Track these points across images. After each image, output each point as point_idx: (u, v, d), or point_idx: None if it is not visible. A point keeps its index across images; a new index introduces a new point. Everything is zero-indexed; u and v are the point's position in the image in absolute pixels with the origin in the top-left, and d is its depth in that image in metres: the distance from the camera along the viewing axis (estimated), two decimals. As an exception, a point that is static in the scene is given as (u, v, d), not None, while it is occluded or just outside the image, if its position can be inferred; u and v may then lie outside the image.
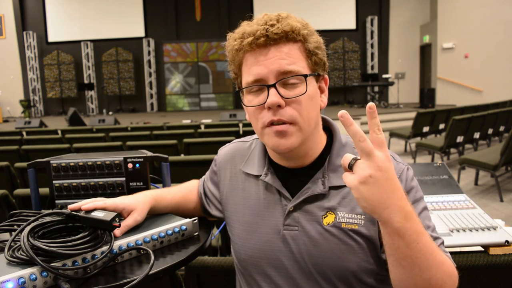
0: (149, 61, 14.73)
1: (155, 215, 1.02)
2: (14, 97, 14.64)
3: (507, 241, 1.18)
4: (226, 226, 1.05)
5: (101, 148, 3.88)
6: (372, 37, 14.28)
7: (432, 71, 13.78)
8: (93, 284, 0.74)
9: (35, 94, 14.83)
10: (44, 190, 1.29)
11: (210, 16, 14.51)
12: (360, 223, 0.85)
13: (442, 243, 0.85)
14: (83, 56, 14.71)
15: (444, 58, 13.08)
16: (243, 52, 0.86)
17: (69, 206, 0.87)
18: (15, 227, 0.96)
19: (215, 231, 1.66)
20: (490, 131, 6.46)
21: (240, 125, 5.84)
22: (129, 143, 4.02)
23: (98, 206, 0.87)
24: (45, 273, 0.71)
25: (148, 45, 14.61)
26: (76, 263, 0.75)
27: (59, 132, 6.08)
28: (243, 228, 0.96)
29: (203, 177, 1.15)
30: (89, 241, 0.78)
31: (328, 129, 0.98)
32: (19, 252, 0.75)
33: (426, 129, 6.71)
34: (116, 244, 0.83)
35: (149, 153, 1.24)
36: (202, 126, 6.24)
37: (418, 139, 6.74)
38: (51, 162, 1.20)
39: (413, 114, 7.41)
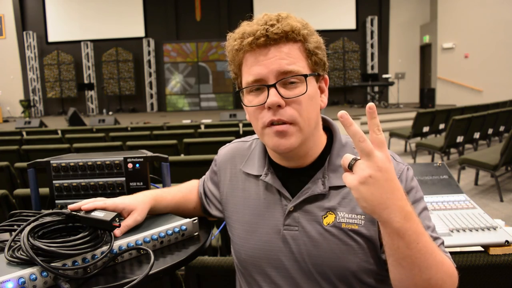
0: (149, 61, 14.73)
1: (155, 215, 1.02)
2: (14, 97, 14.64)
3: (507, 241, 1.18)
4: (226, 226, 1.05)
5: (101, 148, 3.88)
6: (372, 37, 14.28)
7: (432, 71, 13.78)
8: (93, 284, 0.74)
9: (35, 94, 14.83)
10: (44, 190, 1.29)
11: (210, 16, 14.51)
12: (360, 223, 0.85)
13: (442, 243, 0.85)
14: (83, 56, 14.71)
15: (444, 58, 13.08)
16: (243, 52, 0.87)
17: (69, 206, 0.87)
18: (15, 227, 0.96)
19: (215, 231, 1.66)
20: (490, 131, 6.46)
21: (240, 125, 5.84)
22: (129, 143, 4.02)
23: (98, 206, 0.87)
24: (45, 273, 0.71)
25: (148, 45, 14.62)
26: (76, 263, 0.75)
27: (59, 132, 6.08)
28: (243, 228, 0.96)
29: (203, 177, 1.15)
30: (89, 241, 0.78)
31: (328, 129, 0.98)
32: (19, 252, 0.75)
33: (426, 129, 6.71)
34: (116, 244, 0.83)
35: (149, 153, 1.24)
36: (202, 126, 6.24)
37: (418, 139, 6.74)
38: (51, 162, 1.20)
39: (413, 114, 7.41)
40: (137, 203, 0.95)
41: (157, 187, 1.25)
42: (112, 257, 0.81)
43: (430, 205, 1.45)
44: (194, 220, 0.97)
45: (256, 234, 0.94)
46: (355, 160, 0.69)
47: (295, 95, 0.83)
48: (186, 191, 1.11)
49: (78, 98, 14.90)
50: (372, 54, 14.40)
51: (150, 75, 14.81)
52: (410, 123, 7.10)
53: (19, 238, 0.76)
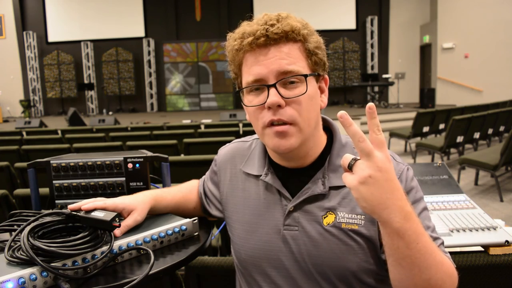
0: (149, 61, 14.73)
1: (155, 215, 1.02)
2: (14, 97, 14.64)
3: (507, 241, 1.18)
4: (226, 226, 1.05)
5: (101, 148, 3.88)
6: (372, 37, 14.28)
7: (432, 71, 13.78)
8: (93, 284, 0.74)
9: (35, 94, 14.83)
10: (44, 190, 1.29)
11: (210, 16, 14.51)
12: (360, 223, 0.85)
13: (442, 243, 0.85)
14: (83, 56, 14.71)
15: (444, 58, 13.08)
16: (243, 52, 0.87)
17: (69, 206, 0.87)
18: (15, 227, 0.96)
19: (215, 231, 1.66)
20: (490, 131, 6.46)
21: (240, 125, 5.84)
22: (129, 143, 4.02)
23: (98, 206, 0.87)
24: (45, 273, 0.71)
25: (148, 45, 14.62)
26: (76, 263, 0.75)
27: (59, 132, 6.08)
28: (243, 228, 0.96)
29: (203, 177, 1.15)
30: (89, 241, 0.78)
31: (328, 129, 0.98)
32: (19, 252, 0.75)
33: (426, 129, 6.71)
34: (116, 244, 0.83)
35: (149, 153, 1.24)
36: (202, 126, 6.24)
37: (418, 139, 6.74)
38: (51, 162, 1.20)
39: (413, 114, 7.41)
40: (137, 203, 0.95)
41: (157, 187, 1.25)
42: (112, 257, 0.81)
43: (430, 205, 1.45)
44: (194, 220, 0.97)
45: (256, 234, 0.94)
46: (355, 160, 0.69)
47: (295, 95, 0.83)
48: (186, 191, 1.11)
49: (78, 98, 14.90)
50: (372, 54, 14.40)
51: (150, 75, 14.81)
52: (410, 123, 7.10)
53: (19, 238, 0.76)
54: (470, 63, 12.43)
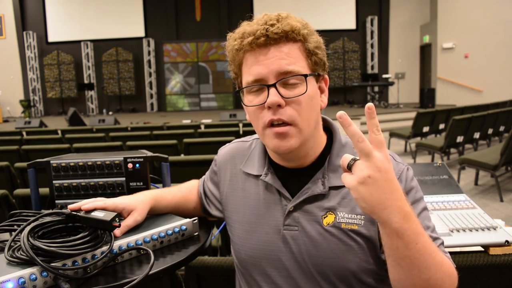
0: (149, 61, 14.73)
1: (155, 215, 1.02)
2: (14, 97, 14.64)
3: (507, 241, 1.18)
4: (226, 226, 1.05)
5: (101, 148, 3.88)
6: (372, 37, 14.28)
7: (432, 71, 13.78)
8: (93, 284, 0.74)
9: (35, 94, 14.83)
10: (44, 190, 1.29)
11: (210, 16, 14.51)
12: (360, 223, 0.85)
13: (442, 243, 0.85)
14: (83, 56, 14.71)
15: (444, 58, 13.08)
16: (243, 52, 0.87)
17: (69, 206, 0.87)
18: (15, 227, 0.96)
19: (215, 231, 1.66)
20: (490, 131, 6.46)
21: (240, 125, 5.84)
22: (129, 143, 4.02)
23: (98, 206, 0.87)
24: (45, 273, 0.71)
25: (148, 45, 14.62)
26: (76, 263, 0.75)
27: (59, 132, 6.08)
28: (243, 228, 0.96)
29: (203, 177, 1.15)
30: (89, 241, 0.78)
31: (328, 129, 0.98)
32: (19, 252, 0.75)
33: (426, 129, 6.71)
34: (116, 244, 0.83)
35: (149, 153, 1.24)
36: (202, 126, 6.24)
37: (418, 139, 6.73)
38: (51, 162, 1.20)
39: (413, 114, 7.41)
40: (137, 203, 0.95)
41: (157, 187, 1.25)
42: (112, 257, 0.81)
43: (430, 205, 1.45)
44: (194, 220, 0.98)
45: (256, 234, 0.94)
46: (354, 160, 0.69)
47: (295, 95, 0.84)
48: (186, 191, 1.11)
49: (78, 98, 14.90)
50: (372, 54, 14.40)
51: (150, 75, 14.81)
52: (410, 123, 7.10)
53: (19, 238, 0.76)
54: (470, 63, 12.42)
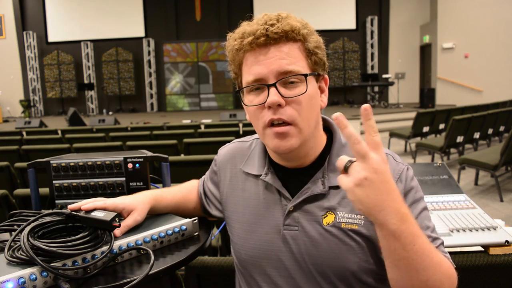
0: (149, 61, 14.73)
1: (155, 215, 1.02)
2: (14, 97, 14.64)
3: (507, 241, 1.18)
4: (226, 226, 1.05)
5: (101, 148, 3.88)
6: (372, 37, 14.27)
7: (432, 71, 13.78)
8: (93, 284, 0.74)
9: (35, 94, 14.83)
10: (44, 190, 1.29)
11: (210, 16, 14.51)
12: (360, 223, 0.85)
13: (442, 243, 0.85)
14: (83, 56, 14.71)
15: (444, 58, 13.08)
16: (243, 52, 0.87)
17: (69, 206, 0.87)
18: (15, 227, 0.96)
19: (215, 231, 1.66)
20: (490, 131, 6.46)
21: (240, 125, 5.84)
22: (129, 143, 4.02)
23: (98, 206, 0.87)
24: (45, 273, 0.71)
25: (148, 45, 14.62)
26: (76, 263, 0.75)
27: (59, 132, 6.08)
28: (243, 228, 0.96)
29: (203, 177, 1.15)
30: (89, 241, 0.78)
31: (328, 129, 0.98)
32: (19, 252, 0.75)
33: (426, 129, 6.71)
34: (116, 244, 0.83)
35: (149, 153, 1.24)
36: (202, 126, 6.24)
37: (418, 139, 6.74)
38: (51, 162, 1.20)
39: (413, 114, 7.41)
40: (137, 203, 0.95)
41: (157, 187, 1.25)
42: (112, 257, 0.81)
43: (430, 205, 1.45)
44: (194, 220, 0.98)
45: (256, 234, 0.94)
46: (351, 162, 0.68)
47: (295, 95, 0.84)
48: (186, 191, 1.11)
49: (78, 98, 14.90)
50: (372, 54, 14.40)
51: (150, 75, 14.81)
52: (410, 123, 7.10)
53: (19, 238, 0.76)
54: (470, 63, 12.42)
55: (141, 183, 1.21)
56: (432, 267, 0.72)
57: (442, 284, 0.74)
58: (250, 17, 0.91)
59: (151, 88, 14.88)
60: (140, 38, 14.69)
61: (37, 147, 4.19)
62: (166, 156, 1.25)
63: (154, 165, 2.51)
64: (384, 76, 12.84)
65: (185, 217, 0.99)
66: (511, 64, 11.54)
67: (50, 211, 0.94)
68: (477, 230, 1.25)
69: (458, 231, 1.26)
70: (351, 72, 14.47)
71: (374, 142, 0.67)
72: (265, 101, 0.84)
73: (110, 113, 14.22)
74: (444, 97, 12.84)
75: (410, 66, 14.54)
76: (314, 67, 0.88)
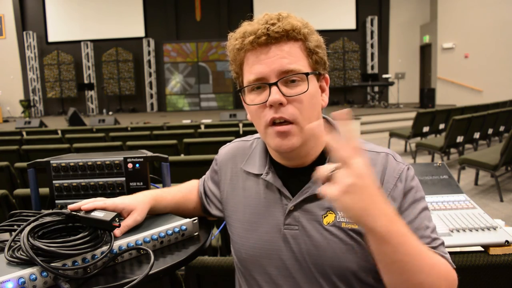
0: (149, 61, 14.73)
1: (155, 215, 1.02)
2: (14, 97, 14.64)
3: (507, 241, 1.18)
4: (226, 225, 1.05)
5: (101, 148, 3.88)
6: (372, 37, 14.27)
7: (432, 71, 13.78)
8: (93, 284, 0.74)
9: (35, 94, 14.82)
10: (44, 190, 1.29)
11: (210, 16, 14.51)
12: (360, 223, 0.85)
13: (442, 243, 0.84)
14: (83, 56, 14.71)
15: (444, 58, 13.08)
16: (245, 51, 0.87)
17: (69, 206, 0.87)
18: (15, 227, 0.96)
19: (215, 231, 1.66)
20: (490, 131, 6.46)
21: (240, 125, 5.84)
22: (129, 143, 4.02)
23: (98, 206, 0.87)
24: (45, 273, 0.71)
25: (148, 45, 14.62)
26: (76, 263, 0.75)
27: (59, 132, 6.08)
28: (243, 227, 0.96)
29: (204, 176, 1.15)
30: (89, 241, 0.78)
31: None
32: (19, 252, 0.75)
33: (426, 129, 6.71)
34: (116, 244, 0.83)
35: (149, 153, 1.24)
36: (202, 126, 6.24)
37: (418, 139, 6.74)
38: (51, 162, 1.20)
39: (413, 114, 7.41)
40: (137, 203, 0.95)
41: (157, 187, 1.25)
42: (112, 257, 0.81)
43: (430, 205, 1.45)
44: (194, 220, 0.97)
45: (257, 233, 0.94)
46: (333, 171, 0.68)
47: (296, 93, 0.84)
48: (186, 191, 1.11)
49: (78, 98, 14.90)
50: (372, 54, 14.40)
51: (150, 75, 14.81)
52: (410, 123, 7.10)
53: (19, 238, 0.76)
54: (470, 63, 12.43)
55: (141, 183, 1.20)
56: (426, 269, 0.72)
57: (439, 286, 0.74)
58: (250, 17, 0.91)
59: (151, 88, 14.88)
60: (140, 38, 14.69)
61: (37, 147, 4.19)
62: (166, 156, 1.25)
63: (154, 165, 2.51)
64: (384, 76, 12.84)
65: (185, 217, 0.99)
66: (511, 64, 11.54)
67: (50, 211, 0.94)
68: (477, 230, 1.25)
69: (458, 231, 1.26)
70: (351, 72, 14.47)
71: (353, 147, 0.66)
72: (267, 100, 0.84)
73: (110, 113, 14.22)
74: (444, 97, 12.84)
75: (410, 66, 14.54)
76: (315, 66, 0.88)
